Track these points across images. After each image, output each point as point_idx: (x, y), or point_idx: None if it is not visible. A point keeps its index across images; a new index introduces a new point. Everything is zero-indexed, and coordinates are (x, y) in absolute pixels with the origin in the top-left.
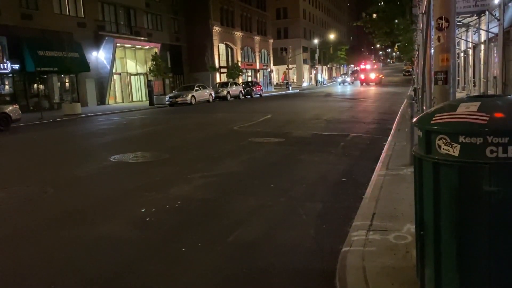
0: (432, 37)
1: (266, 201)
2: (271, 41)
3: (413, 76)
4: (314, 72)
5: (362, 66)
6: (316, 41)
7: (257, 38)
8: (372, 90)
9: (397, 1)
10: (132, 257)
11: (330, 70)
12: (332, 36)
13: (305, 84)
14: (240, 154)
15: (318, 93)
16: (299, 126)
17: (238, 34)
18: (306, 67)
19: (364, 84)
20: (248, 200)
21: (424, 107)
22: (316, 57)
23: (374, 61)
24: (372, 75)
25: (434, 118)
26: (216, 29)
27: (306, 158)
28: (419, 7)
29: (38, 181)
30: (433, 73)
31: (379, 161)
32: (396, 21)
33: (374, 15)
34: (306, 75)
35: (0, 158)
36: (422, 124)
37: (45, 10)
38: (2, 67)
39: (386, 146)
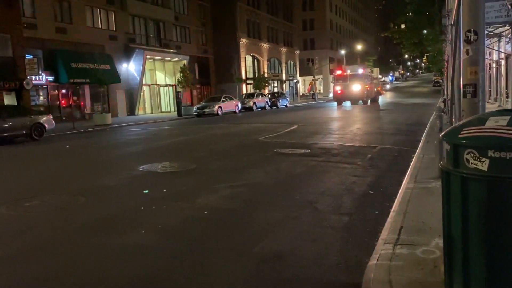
0: (461, 49)
1: (291, 213)
2: (297, 52)
3: (443, 87)
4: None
5: (338, 72)
6: (343, 51)
7: (283, 49)
8: (396, 102)
9: (425, 11)
10: (159, 266)
11: None
12: (359, 47)
13: (331, 95)
14: (266, 165)
15: (344, 104)
16: (325, 137)
17: (265, 45)
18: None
19: (342, 103)
20: (273, 211)
21: (453, 119)
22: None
23: (365, 64)
24: (355, 87)
25: (462, 132)
26: (243, 41)
27: (332, 169)
28: (448, 18)
29: (70, 190)
30: (461, 86)
31: (407, 174)
32: (425, 31)
33: (403, 26)
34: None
35: (34, 167)
36: (450, 137)
37: (79, 23)
38: (37, 79)
39: (414, 158)
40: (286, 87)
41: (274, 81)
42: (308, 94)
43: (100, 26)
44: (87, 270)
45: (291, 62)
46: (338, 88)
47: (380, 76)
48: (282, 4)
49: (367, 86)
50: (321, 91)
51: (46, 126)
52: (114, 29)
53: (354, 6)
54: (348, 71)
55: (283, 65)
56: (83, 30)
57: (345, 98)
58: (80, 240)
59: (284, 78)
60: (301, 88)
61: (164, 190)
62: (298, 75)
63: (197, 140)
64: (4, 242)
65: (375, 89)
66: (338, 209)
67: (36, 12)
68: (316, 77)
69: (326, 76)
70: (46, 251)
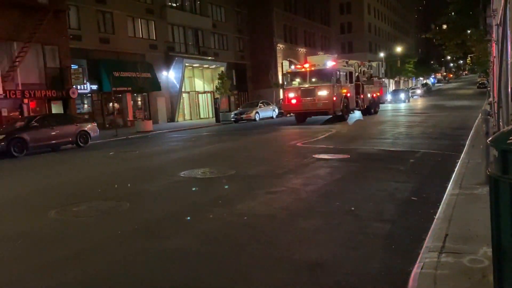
0: (509, 50)
1: (331, 219)
2: (335, 56)
3: (488, 88)
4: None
5: (293, 69)
6: (382, 54)
7: (320, 53)
8: (438, 105)
9: (468, 11)
10: (200, 271)
11: (397, 83)
12: (399, 49)
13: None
14: (304, 171)
15: (384, 107)
16: (365, 141)
17: (302, 50)
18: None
19: (305, 120)
20: (313, 218)
21: (500, 123)
22: (383, 71)
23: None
24: (322, 93)
25: (511, 137)
26: (280, 46)
27: (373, 175)
28: (494, 18)
29: (114, 195)
30: (510, 89)
31: (451, 179)
32: (469, 31)
33: (444, 26)
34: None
35: (81, 173)
36: (498, 143)
37: (121, 34)
38: (82, 88)
39: (459, 163)
40: None
41: None
42: None
43: (141, 36)
44: (133, 273)
45: None
46: (291, 94)
47: (384, 80)
48: (319, 8)
49: (344, 90)
50: None
51: (91, 133)
52: (154, 38)
53: (393, 8)
54: (307, 66)
55: None
56: (125, 40)
57: (301, 113)
58: (126, 244)
59: None
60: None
61: (204, 196)
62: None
63: (235, 146)
64: (55, 246)
65: (370, 95)
66: (380, 216)
67: (81, 23)
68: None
69: None
70: (94, 255)
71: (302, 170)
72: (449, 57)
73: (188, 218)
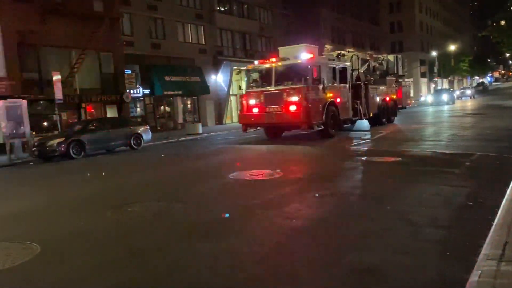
0: None
1: (382, 224)
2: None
3: None
4: (433, 86)
5: (255, 65)
6: (434, 53)
7: (369, 53)
8: (496, 105)
9: None
10: (251, 271)
11: (451, 83)
12: (452, 47)
13: (423, 99)
14: (354, 174)
15: (437, 108)
16: (417, 143)
17: (350, 50)
18: (424, 80)
19: (275, 136)
20: (363, 222)
21: None
22: (435, 70)
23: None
24: (291, 98)
25: None
26: (327, 47)
27: (426, 179)
28: None
29: (167, 196)
30: None
31: (511, 184)
32: None
33: (503, 22)
34: (424, 89)
35: (134, 174)
36: None
37: (171, 39)
38: (135, 92)
39: None
40: None
41: None
42: None
43: (190, 41)
44: (186, 274)
45: None
46: (253, 101)
47: (409, 81)
48: (367, 8)
49: (329, 94)
50: (412, 94)
51: (144, 136)
52: (204, 43)
53: (445, 5)
54: (274, 60)
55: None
56: (176, 45)
57: (268, 124)
58: (178, 245)
59: None
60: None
61: (253, 198)
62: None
63: (282, 148)
64: (111, 245)
65: (381, 99)
66: (434, 222)
67: (133, 30)
68: (406, 80)
69: (416, 79)
70: (148, 255)
71: (351, 173)
72: (508, 54)
73: (237, 220)
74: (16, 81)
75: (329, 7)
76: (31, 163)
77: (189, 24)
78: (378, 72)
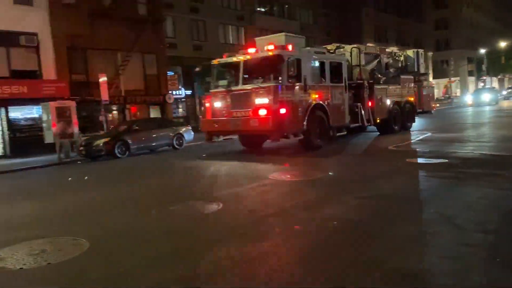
0: None
1: (426, 228)
2: (430, 53)
3: None
4: (482, 84)
5: (222, 60)
6: (482, 50)
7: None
8: None
9: None
10: (292, 272)
11: (501, 81)
12: (502, 44)
13: (456, 100)
14: (396, 176)
15: (477, 109)
16: (464, 144)
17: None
18: (472, 79)
19: (249, 145)
20: (406, 225)
21: None
22: (484, 68)
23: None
24: (260, 100)
25: None
26: (370, 46)
27: (473, 181)
28: None
29: (207, 196)
30: None
31: None
32: None
33: None
34: (471, 88)
35: (178, 174)
36: None
37: (212, 41)
38: (177, 93)
39: None
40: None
41: None
42: (443, 97)
43: (231, 42)
44: (230, 274)
45: None
46: (218, 104)
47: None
48: (411, 5)
49: (314, 95)
50: (458, 94)
51: (186, 136)
52: (244, 44)
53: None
54: (239, 54)
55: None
56: (216, 46)
57: (233, 131)
58: (218, 245)
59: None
60: (435, 92)
61: (293, 199)
62: (431, 77)
63: (326, 150)
64: (156, 242)
65: (392, 102)
66: (482, 226)
67: (176, 33)
68: (452, 79)
69: (463, 77)
70: (190, 254)
71: (393, 175)
72: None
73: (276, 221)
74: (66, 84)
75: (371, 5)
76: (79, 162)
77: (229, 26)
78: (392, 70)
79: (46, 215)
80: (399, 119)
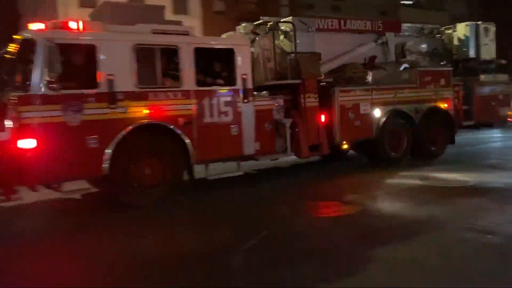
0: None
1: None
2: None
3: None
4: None
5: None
6: None
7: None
8: None
9: None
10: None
11: None
12: None
13: None
14: None
15: None
16: None
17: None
18: None
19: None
20: None
21: None
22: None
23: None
24: None
25: None
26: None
27: None
28: None
29: (352, 197)
30: None
31: None
32: None
33: None
34: None
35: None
36: None
37: None
38: None
39: None
40: None
41: None
42: None
43: None
44: (362, 274)
45: None
46: None
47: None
48: None
49: (144, 110)
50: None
51: None
52: None
53: None
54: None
55: None
56: None
57: None
58: (354, 248)
59: None
60: None
61: (440, 206)
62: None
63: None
64: (295, 242)
65: (386, 112)
66: None
67: None
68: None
69: None
70: (319, 257)
71: None
72: None
73: (414, 227)
74: None
75: None
76: None
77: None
78: (415, 56)
79: None
80: (405, 139)
